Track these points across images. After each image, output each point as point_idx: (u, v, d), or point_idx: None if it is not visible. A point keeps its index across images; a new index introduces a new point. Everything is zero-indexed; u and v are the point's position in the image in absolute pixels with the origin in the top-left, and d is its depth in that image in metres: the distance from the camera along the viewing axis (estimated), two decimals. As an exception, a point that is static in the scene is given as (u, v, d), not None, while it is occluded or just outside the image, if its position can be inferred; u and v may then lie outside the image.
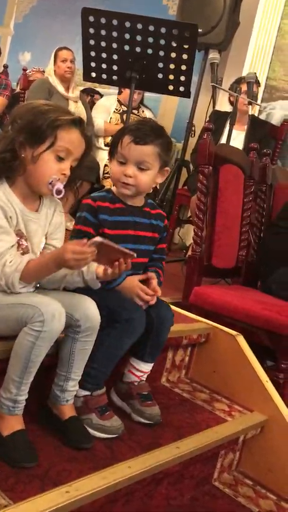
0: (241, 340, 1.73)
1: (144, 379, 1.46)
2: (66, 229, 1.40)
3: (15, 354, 1.14)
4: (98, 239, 1.15)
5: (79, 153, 1.25)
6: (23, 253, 1.23)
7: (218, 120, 3.43)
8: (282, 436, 1.58)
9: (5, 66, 4.31)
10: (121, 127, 1.46)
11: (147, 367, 1.45)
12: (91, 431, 1.29)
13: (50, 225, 1.30)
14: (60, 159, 1.21)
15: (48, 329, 1.12)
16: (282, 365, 1.86)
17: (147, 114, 3.90)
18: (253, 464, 1.64)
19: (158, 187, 3.55)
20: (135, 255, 1.24)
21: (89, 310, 1.23)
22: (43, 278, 1.23)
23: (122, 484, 1.15)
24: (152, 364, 1.47)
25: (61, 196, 1.23)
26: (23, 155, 1.20)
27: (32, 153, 1.19)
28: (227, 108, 3.63)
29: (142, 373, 1.44)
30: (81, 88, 4.16)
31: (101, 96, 4.47)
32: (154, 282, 1.42)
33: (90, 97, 4.53)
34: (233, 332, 1.75)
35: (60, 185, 1.21)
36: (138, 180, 1.40)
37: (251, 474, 1.63)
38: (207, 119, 3.46)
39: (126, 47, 2.46)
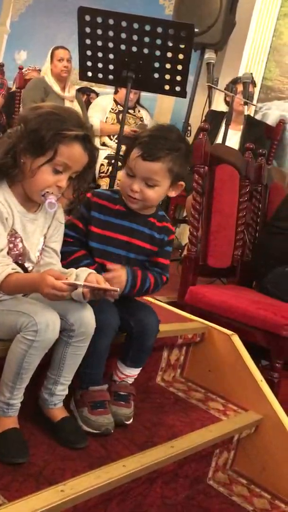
0: (236, 339, 1.74)
1: (129, 382, 1.44)
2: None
3: (8, 359, 1.14)
4: (80, 282, 1.13)
5: (79, 167, 1.22)
6: (18, 255, 1.23)
7: (214, 120, 3.43)
8: (277, 435, 1.58)
9: (1, 65, 4.31)
10: (135, 135, 1.38)
11: (130, 371, 1.43)
12: (79, 422, 1.30)
13: (50, 227, 1.29)
14: (57, 172, 1.19)
15: (41, 339, 1.11)
16: (277, 365, 1.87)
17: (143, 114, 3.90)
18: (248, 463, 1.64)
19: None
20: (118, 290, 1.21)
21: (84, 315, 1.22)
22: (20, 294, 1.22)
23: (116, 483, 1.15)
24: (137, 369, 1.45)
25: (54, 209, 1.21)
26: (22, 161, 1.18)
27: (31, 163, 1.18)
28: (223, 108, 3.64)
29: (125, 376, 1.43)
30: (77, 87, 4.17)
31: (97, 95, 4.48)
32: (110, 274, 1.33)
33: (86, 96, 4.53)
34: (228, 332, 1.76)
35: (52, 199, 1.19)
36: (145, 196, 1.34)
37: (246, 473, 1.64)
38: (203, 119, 3.47)
39: (123, 47, 2.46)
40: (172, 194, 1.41)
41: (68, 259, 1.39)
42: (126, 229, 1.41)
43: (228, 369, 1.73)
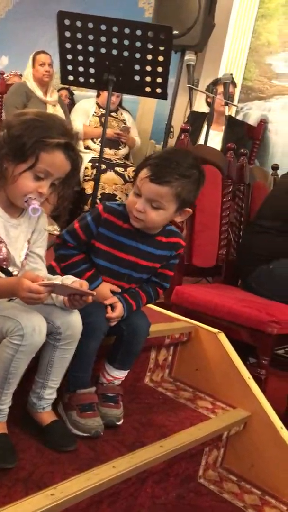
0: (223, 338, 1.75)
1: (117, 383, 1.45)
2: (49, 233, 1.39)
3: None
4: (57, 282, 1.13)
5: (61, 174, 1.22)
6: (2, 260, 1.23)
7: (196, 121, 3.46)
8: (265, 432, 1.60)
9: (-18, 71, 4.29)
10: (148, 155, 1.37)
11: (117, 373, 1.44)
12: (68, 426, 1.30)
13: (34, 233, 1.29)
14: (38, 178, 1.19)
15: (27, 343, 1.11)
16: (263, 362, 1.89)
17: (126, 116, 3.92)
18: (237, 460, 1.65)
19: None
20: (94, 293, 1.20)
21: (71, 318, 1.22)
22: (1, 298, 1.20)
23: (107, 484, 1.15)
24: (124, 372, 1.46)
25: (37, 214, 1.21)
26: (5, 166, 1.18)
27: (13, 169, 1.18)
28: (205, 109, 3.66)
29: (112, 378, 1.44)
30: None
31: (70, 92, 4.49)
32: (115, 312, 1.37)
33: (69, 100, 4.54)
34: (215, 330, 1.77)
35: (35, 204, 1.19)
36: (148, 217, 1.32)
37: (236, 470, 1.65)
38: (185, 120, 3.49)
39: (103, 50, 2.46)
40: (178, 219, 1.39)
41: (67, 262, 1.39)
42: (133, 250, 1.39)
43: (216, 367, 1.74)
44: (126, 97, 3.93)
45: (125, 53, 2.44)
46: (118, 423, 1.39)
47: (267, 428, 1.59)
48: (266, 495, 1.57)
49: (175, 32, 2.87)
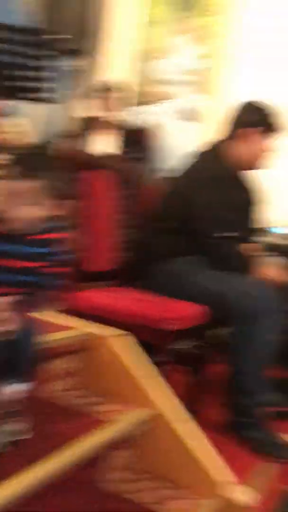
0: (122, 340, 1.77)
1: (16, 398, 1.40)
2: None
3: None
4: None
5: None
6: None
7: (88, 126, 3.47)
8: (167, 430, 1.63)
9: None
10: (11, 155, 1.34)
11: (15, 387, 1.39)
12: None
13: None
14: None
15: None
16: (165, 359, 1.94)
17: (16, 123, 3.82)
18: (142, 460, 1.67)
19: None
20: None
21: None
22: None
23: (9, 501, 1.12)
24: (23, 385, 1.41)
25: None
26: None
27: None
28: (97, 113, 3.68)
29: (11, 393, 1.38)
30: None
31: None
32: (9, 325, 1.32)
33: None
34: (114, 333, 1.78)
35: None
36: (21, 215, 1.29)
37: (140, 469, 1.67)
38: (77, 125, 3.49)
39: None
40: (56, 212, 1.37)
41: None
42: (16, 254, 1.36)
43: (117, 370, 1.75)
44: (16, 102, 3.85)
45: (8, 59, 2.39)
46: (22, 438, 1.36)
47: (169, 426, 1.63)
48: (170, 490, 1.61)
49: (64, 36, 2.86)
